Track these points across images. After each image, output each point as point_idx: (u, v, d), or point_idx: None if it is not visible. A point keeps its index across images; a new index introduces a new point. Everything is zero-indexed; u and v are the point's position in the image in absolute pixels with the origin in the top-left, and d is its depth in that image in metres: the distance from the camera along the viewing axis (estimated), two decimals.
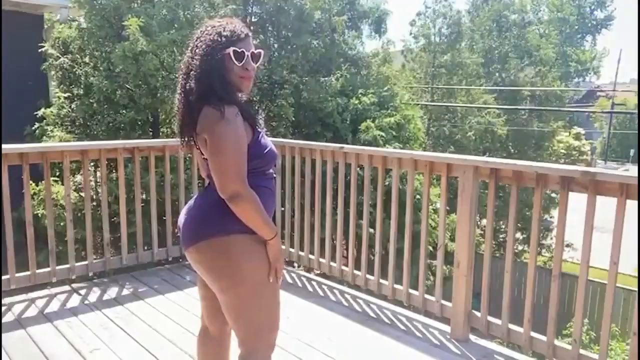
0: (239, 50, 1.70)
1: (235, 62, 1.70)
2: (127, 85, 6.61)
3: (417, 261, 3.34)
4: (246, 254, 1.73)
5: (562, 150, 17.22)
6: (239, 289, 1.75)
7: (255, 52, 1.77)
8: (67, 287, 3.75)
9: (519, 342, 2.87)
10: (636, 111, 28.47)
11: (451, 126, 15.60)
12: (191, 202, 1.88)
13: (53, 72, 6.99)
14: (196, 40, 1.74)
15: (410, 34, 16.94)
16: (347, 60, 9.79)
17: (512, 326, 2.90)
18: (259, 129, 1.78)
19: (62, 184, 5.04)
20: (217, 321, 1.94)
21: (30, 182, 3.64)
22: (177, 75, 1.82)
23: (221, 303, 1.81)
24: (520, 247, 14.36)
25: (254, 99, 7.91)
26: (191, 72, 1.71)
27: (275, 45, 9.40)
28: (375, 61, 10.44)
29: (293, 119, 8.21)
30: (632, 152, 38.00)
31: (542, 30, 18.16)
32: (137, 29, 6.12)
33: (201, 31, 1.76)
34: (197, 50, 1.71)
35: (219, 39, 1.69)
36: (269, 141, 1.85)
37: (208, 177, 1.83)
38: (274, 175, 1.92)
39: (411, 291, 3.39)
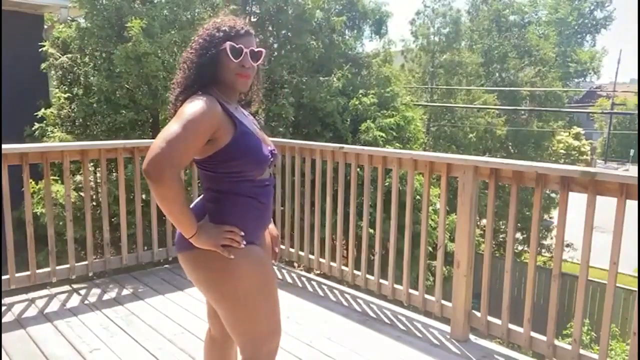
0: (236, 46, 1.64)
1: (232, 58, 1.64)
2: (127, 86, 6.60)
3: (417, 261, 3.35)
4: (229, 264, 1.64)
5: (562, 150, 17.23)
6: (228, 302, 1.69)
7: (256, 50, 1.70)
8: (67, 287, 3.74)
9: (519, 342, 2.87)
10: (636, 111, 28.48)
11: (451, 126, 15.60)
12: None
13: (53, 72, 6.98)
14: (196, 36, 1.72)
15: (410, 32, 16.93)
16: (348, 60, 9.78)
17: (512, 326, 2.90)
18: (244, 126, 1.66)
19: (62, 183, 5.03)
20: (217, 324, 1.90)
21: (30, 179, 3.63)
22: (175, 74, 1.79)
23: (218, 313, 1.77)
24: (520, 247, 14.37)
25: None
26: (185, 67, 1.69)
27: (275, 45, 9.39)
28: (376, 61, 10.43)
29: (293, 118, 8.20)
30: (632, 152, 37.99)
31: (541, 30, 18.17)
32: (140, 31, 6.11)
33: (203, 27, 1.73)
34: (193, 45, 1.69)
35: (217, 34, 1.65)
36: (261, 141, 1.72)
37: (206, 190, 1.75)
38: (268, 183, 1.75)
39: (411, 291, 3.39)
